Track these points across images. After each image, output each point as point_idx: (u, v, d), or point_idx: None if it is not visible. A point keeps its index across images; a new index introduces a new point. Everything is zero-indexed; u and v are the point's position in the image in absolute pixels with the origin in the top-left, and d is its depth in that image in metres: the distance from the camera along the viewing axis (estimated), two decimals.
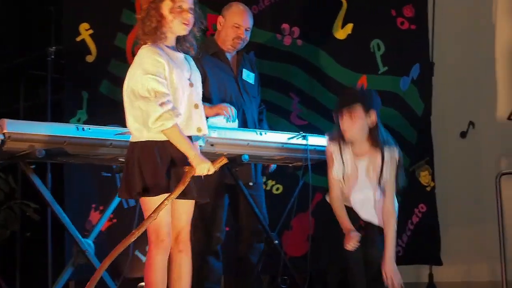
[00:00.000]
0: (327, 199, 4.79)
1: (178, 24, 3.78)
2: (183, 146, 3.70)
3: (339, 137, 4.63)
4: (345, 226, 4.59)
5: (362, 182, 4.67)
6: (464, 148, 6.49)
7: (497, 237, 5.69)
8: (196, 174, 3.68)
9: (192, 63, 3.93)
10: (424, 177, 6.32)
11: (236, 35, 5.04)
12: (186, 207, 3.87)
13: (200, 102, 3.86)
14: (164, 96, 3.66)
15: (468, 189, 6.48)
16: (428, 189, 6.36)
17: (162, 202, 3.59)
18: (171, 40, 3.83)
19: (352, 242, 4.50)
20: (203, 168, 3.68)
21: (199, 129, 3.84)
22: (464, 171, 6.51)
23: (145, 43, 3.78)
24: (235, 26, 5.06)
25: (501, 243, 5.60)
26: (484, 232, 6.24)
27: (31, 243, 6.60)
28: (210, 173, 3.72)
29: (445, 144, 6.49)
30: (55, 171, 5.49)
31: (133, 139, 3.79)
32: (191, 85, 3.83)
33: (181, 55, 3.85)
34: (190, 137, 3.80)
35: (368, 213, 4.68)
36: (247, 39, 5.13)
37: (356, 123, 4.59)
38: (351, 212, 4.66)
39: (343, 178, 4.66)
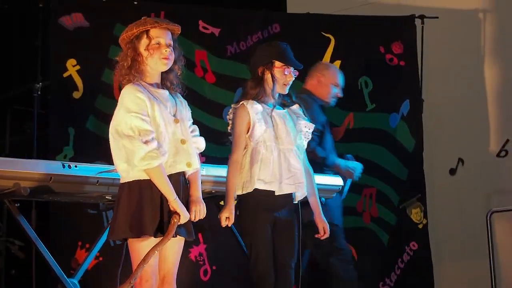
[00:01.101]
0: None
1: (158, 60, 3.77)
2: (164, 188, 3.68)
3: None
4: None
5: None
6: (454, 185, 6.48)
7: (489, 274, 5.65)
8: (181, 223, 3.69)
9: (180, 100, 3.91)
10: (415, 215, 6.28)
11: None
12: (174, 247, 3.81)
13: (188, 138, 3.83)
14: (148, 134, 3.63)
15: (460, 226, 6.45)
16: (420, 226, 6.31)
17: (151, 250, 3.58)
18: (153, 78, 3.82)
19: None
20: (185, 213, 3.70)
21: (188, 164, 3.80)
22: (455, 208, 6.48)
23: (124, 84, 3.78)
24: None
25: (492, 280, 5.56)
26: (476, 269, 6.19)
27: (16, 280, 6.53)
28: (186, 220, 3.71)
29: (434, 181, 6.48)
30: (40, 208, 5.44)
31: (121, 180, 3.77)
32: (176, 121, 3.80)
33: (165, 92, 3.83)
34: (178, 173, 3.77)
35: None
36: None
37: None
38: None
39: None
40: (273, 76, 4.40)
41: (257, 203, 4.27)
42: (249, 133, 4.32)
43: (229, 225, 4.27)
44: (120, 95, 3.75)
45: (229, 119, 4.43)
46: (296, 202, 4.44)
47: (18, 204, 4.36)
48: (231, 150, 4.35)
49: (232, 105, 4.44)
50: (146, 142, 3.61)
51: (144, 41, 3.77)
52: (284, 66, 4.42)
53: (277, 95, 4.45)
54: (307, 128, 4.51)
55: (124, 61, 3.78)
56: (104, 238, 4.79)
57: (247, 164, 4.31)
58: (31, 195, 4.19)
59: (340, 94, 5.53)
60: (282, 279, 4.30)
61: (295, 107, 4.54)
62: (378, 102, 6.37)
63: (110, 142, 3.75)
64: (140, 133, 3.62)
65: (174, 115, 3.81)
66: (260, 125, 4.31)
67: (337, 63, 6.30)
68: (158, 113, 3.71)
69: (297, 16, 6.52)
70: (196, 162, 3.83)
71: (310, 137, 4.54)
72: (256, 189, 4.26)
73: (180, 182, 3.80)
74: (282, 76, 4.41)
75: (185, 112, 3.91)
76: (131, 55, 3.76)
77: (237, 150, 4.33)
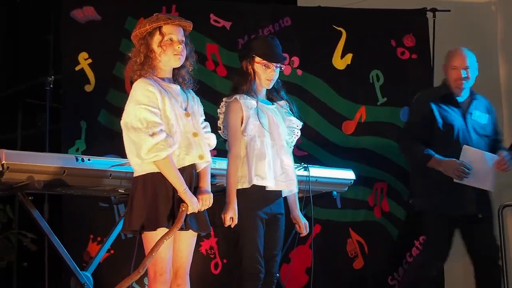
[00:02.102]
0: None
1: (171, 56, 3.81)
2: (174, 179, 3.71)
3: None
4: None
5: None
6: None
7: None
8: (189, 212, 3.71)
9: (192, 95, 3.95)
10: None
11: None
12: (187, 242, 3.85)
13: (200, 131, 3.85)
14: (155, 126, 3.66)
15: None
16: None
17: (161, 239, 3.61)
18: (165, 73, 3.86)
19: None
20: (194, 203, 3.72)
21: (201, 156, 3.83)
22: None
23: (135, 79, 3.81)
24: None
25: (504, 275, 5.53)
26: None
27: (27, 273, 6.55)
28: (196, 211, 3.74)
29: None
30: (52, 201, 5.45)
31: (135, 173, 3.81)
32: (188, 114, 3.83)
33: (177, 87, 3.86)
34: (191, 165, 3.80)
35: None
36: None
37: None
38: None
39: None
40: (254, 71, 4.39)
41: (252, 198, 4.28)
42: (242, 128, 4.31)
43: (232, 226, 4.25)
44: (132, 88, 3.79)
45: (220, 113, 4.41)
46: (283, 196, 4.45)
47: (32, 197, 4.38)
48: (228, 145, 4.34)
49: (224, 99, 4.43)
50: (152, 135, 3.64)
51: (157, 37, 3.80)
52: (263, 61, 4.38)
53: (264, 89, 4.44)
54: (295, 124, 4.50)
55: (137, 57, 3.81)
56: (116, 231, 4.81)
57: (243, 159, 4.31)
58: (45, 189, 4.22)
59: (464, 75, 5.19)
60: (269, 271, 4.32)
61: (283, 102, 4.52)
62: (390, 95, 6.35)
63: (123, 136, 3.78)
64: (148, 125, 3.65)
65: (185, 109, 3.84)
66: (254, 120, 4.30)
67: (349, 56, 6.30)
68: (168, 107, 3.74)
69: (308, 9, 6.50)
70: (208, 155, 3.87)
71: (298, 134, 4.53)
72: (253, 185, 4.26)
73: (193, 175, 3.84)
74: (264, 71, 4.39)
75: (197, 107, 3.94)
76: (144, 51, 3.79)
77: (235, 144, 4.32)
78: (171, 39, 3.80)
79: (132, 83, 5.27)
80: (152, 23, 3.80)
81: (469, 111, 5.19)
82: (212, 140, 3.99)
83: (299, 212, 4.53)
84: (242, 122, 4.31)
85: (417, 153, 5.14)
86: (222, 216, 4.24)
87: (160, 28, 3.80)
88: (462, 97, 5.23)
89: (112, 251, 5.39)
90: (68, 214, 5.51)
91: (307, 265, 6.00)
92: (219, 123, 4.42)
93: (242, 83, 4.39)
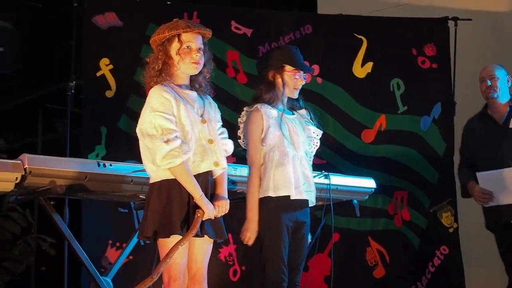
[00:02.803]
0: None
1: (188, 64, 3.80)
2: (189, 186, 3.70)
3: None
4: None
5: None
6: None
7: None
8: (204, 219, 3.70)
9: (209, 101, 3.94)
10: (446, 218, 6.24)
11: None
12: (203, 247, 3.84)
13: (215, 138, 3.84)
14: (170, 133, 3.66)
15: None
16: (451, 230, 6.27)
17: (175, 245, 3.60)
18: (182, 79, 3.85)
19: None
20: (210, 210, 3.71)
21: (216, 163, 3.82)
22: None
23: (152, 86, 3.81)
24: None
25: None
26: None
27: (45, 277, 6.56)
28: (212, 217, 3.73)
29: None
30: (71, 206, 5.46)
31: (151, 180, 3.81)
32: (203, 121, 3.82)
33: (193, 93, 3.85)
34: (207, 172, 3.79)
35: None
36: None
37: None
38: None
39: None
40: (283, 81, 4.36)
41: (277, 206, 4.24)
42: (261, 137, 4.28)
43: (249, 244, 4.24)
44: (148, 95, 3.79)
45: (241, 122, 4.38)
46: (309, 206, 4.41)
47: (54, 202, 4.39)
48: (249, 156, 4.30)
49: (245, 108, 4.39)
50: (167, 141, 3.64)
51: (175, 44, 3.80)
52: (294, 70, 4.37)
53: (286, 99, 4.42)
54: (315, 134, 4.47)
55: (155, 63, 3.81)
56: (136, 237, 4.81)
57: (263, 169, 4.28)
58: (66, 193, 4.23)
59: (489, 83, 5.44)
60: (291, 281, 4.29)
61: (303, 111, 4.50)
62: (410, 104, 6.33)
63: (139, 143, 3.79)
64: (163, 132, 3.65)
65: (202, 116, 3.84)
66: (274, 130, 4.28)
67: (369, 64, 6.29)
68: (184, 113, 3.74)
69: (330, 17, 6.49)
70: (223, 161, 3.85)
71: (318, 144, 4.49)
72: (270, 196, 4.23)
73: (209, 181, 3.83)
74: (293, 81, 4.37)
75: (213, 113, 3.93)
76: (162, 58, 3.80)
77: (255, 155, 4.28)
78: (189, 47, 3.79)
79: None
80: (171, 30, 3.79)
81: (505, 125, 5.31)
82: (229, 146, 3.98)
83: None
84: (262, 132, 4.28)
85: (461, 178, 5.59)
86: (242, 232, 4.23)
87: (179, 35, 3.79)
88: (496, 112, 5.38)
89: (130, 257, 5.39)
90: (87, 219, 5.52)
91: (326, 274, 6.00)
92: (239, 132, 4.40)
93: (266, 92, 4.35)
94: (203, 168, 3.78)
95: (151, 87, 3.81)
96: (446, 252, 6.25)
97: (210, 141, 3.81)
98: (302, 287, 5.13)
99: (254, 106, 4.32)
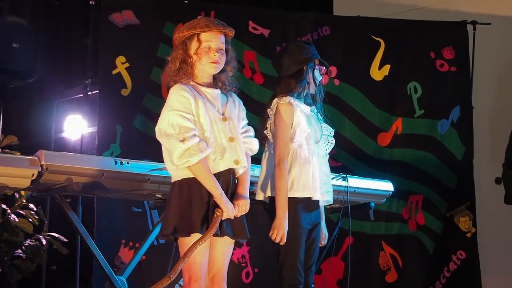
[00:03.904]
0: None
1: (206, 64, 3.76)
2: (208, 184, 3.66)
3: None
4: None
5: None
6: (502, 194, 6.35)
7: None
8: (223, 218, 3.64)
9: (233, 99, 3.89)
10: (464, 223, 6.18)
11: None
12: (224, 248, 3.79)
13: (237, 136, 3.79)
14: (187, 131, 3.62)
15: (509, 235, 6.32)
16: (469, 235, 6.21)
17: (194, 245, 3.54)
18: (203, 78, 3.81)
19: None
20: (229, 210, 3.66)
21: (236, 161, 3.77)
22: (502, 217, 6.36)
23: (171, 85, 3.78)
24: None
25: None
26: None
27: (56, 277, 6.54)
28: (231, 216, 3.68)
29: (482, 189, 6.36)
30: (84, 204, 5.43)
31: (172, 179, 3.77)
32: (224, 119, 3.77)
33: (215, 91, 3.81)
34: (229, 170, 3.75)
35: None
36: None
37: None
38: None
39: None
40: (314, 76, 4.31)
41: (298, 208, 4.16)
42: (291, 133, 4.18)
43: (282, 244, 4.11)
44: (168, 94, 3.76)
45: (271, 114, 4.21)
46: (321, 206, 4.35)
47: (70, 200, 4.35)
48: (278, 152, 4.14)
49: (276, 99, 4.21)
50: (183, 140, 3.61)
51: (194, 43, 3.76)
52: (319, 66, 4.34)
53: (312, 95, 4.36)
54: (328, 132, 4.39)
55: (174, 62, 3.78)
56: (152, 237, 4.78)
57: (289, 167, 4.19)
58: (82, 191, 4.20)
59: None
60: (305, 282, 4.22)
61: (314, 108, 4.40)
62: (427, 108, 6.27)
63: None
64: (180, 131, 3.62)
65: (223, 114, 3.79)
66: (304, 126, 4.18)
67: (387, 67, 6.24)
68: (203, 111, 3.70)
69: (348, 19, 6.45)
70: (244, 160, 3.79)
71: (333, 142, 4.39)
72: (295, 196, 4.15)
73: (230, 180, 3.78)
74: (319, 76, 4.33)
75: (237, 111, 3.88)
76: (181, 57, 3.77)
77: (286, 153, 4.14)
78: (208, 47, 3.75)
79: (168, 88, 5.29)
80: (190, 30, 3.76)
81: None
82: (254, 145, 3.91)
83: (324, 223, 4.43)
84: (292, 127, 4.18)
85: (508, 179, 5.43)
86: (272, 229, 4.10)
87: (198, 34, 3.75)
88: None
89: (144, 257, 5.35)
90: (101, 218, 5.48)
91: (339, 277, 5.96)
92: (269, 122, 4.23)
93: (297, 86, 4.25)
94: (222, 167, 3.74)
95: (169, 86, 3.78)
96: (463, 257, 6.19)
97: (231, 139, 3.77)
98: None
99: (287, 100, 4.18)
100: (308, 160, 4.19)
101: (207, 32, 3.75)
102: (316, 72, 4.32)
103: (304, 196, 4.16)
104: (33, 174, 4.02)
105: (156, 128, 3.70)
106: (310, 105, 4.34)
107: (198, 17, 3.90)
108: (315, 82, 4.31)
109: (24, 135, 6.37)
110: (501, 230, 6.40)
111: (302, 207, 4.17)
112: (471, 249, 6.19)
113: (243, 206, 3.76)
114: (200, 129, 3.68)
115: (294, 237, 4.14)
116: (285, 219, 4.10)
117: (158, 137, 3.70)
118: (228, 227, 3.72)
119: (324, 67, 4.36)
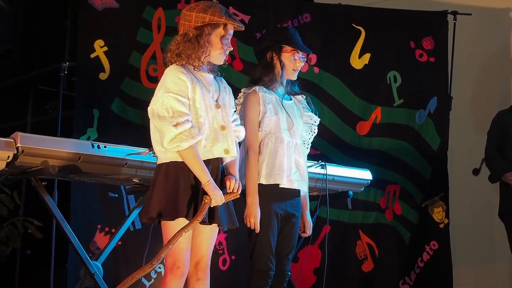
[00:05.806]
0: None
1: (219, 54, 3.74)
2: (197, 170, 3.61)
3: None
4: None
5: None
6: (477, 185, 6.38)
7: (510, 276, 5.58)
8: (212, 205, 3.59)
9: (224, 85, 3.85)
10: (437, 214, 6.21)
11: None
12: (208, 234, 3.75)
13: (228, 124, 3.76)
14: (181, 116, 3.58)
15: (482, 227, 6.36)
16: (442, 225, 6.24)
17: (179, 232, 3.49)
18: (203, 64, 3.76)
19: None
20: (218, 196, 3.60)
21: (226, 151, 3.73)
22: (477, 208, 6.39)
23: (172, 63, 3.70)
24: None
25: None
26: (498, 271, 6.11)
27: (30, 261, 6.49)
28: (220, 203, 3.63)
29: (457, 180, 6.38)
30: (60, 189, 5.38)
31: (158, 161, 3.71)
32: (218, 106, 3.73)
33: (210, 76, 3.77)
34: (217, 159, 3.71)
35: None
36: None
37: None
38: None
39: None
40: (281, 62, 4.25)
41: (266, 194, 4.14)
42: (258, 122, 4.18)
43: (257, 231, 4.09)
44: (163, 74, 3.69)
45: (238, 104, 4.23)
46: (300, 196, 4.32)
47: (46, 183, 4.30)
48: (247, 140, 4.13)
49: (243, 90, 4.26)
50: (176, 125, 3.56)
51: (219, 31, 3.71)
52: (293, 51, 4.26)
53: (285, 82, 4.31)
54: (312, 120, 4.37)
55: (192, 44, 3.68)
56: (128, 222, 4.74)
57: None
58: (59, 174, 4.14)
59: None
60: (280, 270, 4.21)
61: (300, 97, 4.39)
62: (406, 97, 6.29)
63: (150, 123, 3.71)
64: (174, 115, 3.57)
65: (217, 101, 3.75)
66: (270, 115, 4.18)
67: (367, 56, 6.24)
68: (199, 96, 3.65)
69: (329, 6, 6.44)
70: (234, 150, 3.76)
71: (316, 131, 4.38)
72: (262, 183, 4.14)
73: (219, 168, 3.74)
74: (291, 62, 4.26)
75: (228, 98, 3.84)
76: (202, 41, 3.67)
77: (254, 139, 4.16)
78: (228, 39, 3.74)
79: (147, 73, 5.23)
80: (216, 16, 3.67)
81: None
82: (241, 133, 3.89)
83: (308, 212, 4.41)
84: (258, 116, 4.18)
85: (495, 164, 5.74)
86: (245, 218, 4.10)
87: (226, 25, 3.71)
88: None
89: (119, 242, 5.31)
90: (76, 203, 5.42)
91: (316, 265, 5.95)
92: (236, 114, 4.20)
93: (264, 74, 4.24)
94: (212, 154, 3.70)
95: (168, 65, 3.71)
96: (436, 247, 6.23)
97: (223, 127, 3.73)
98: (295, 278, 5.10)
99: (252, 89, 4.21)
100: (275, 148, 4.17)
101: (233, 26, 3.73)
102: (287, 58, 4.25)
103: (270, 183, 4.14)
104: (8, 157, 3.97)
105: (149, 108, 3.64)
106: (287, 92, 4.31)
107: (215, 1, 3.84)
108: (285, 68, 4.25)
109: (0, 118, 6.31)
110: (476, 220, 6.43)
111: (272, 194, 4.15)
112: (444, 240, 6.22)
113: (235, 184, 3.71)
114: (194, 114, 3.64)
115: (264, 225, 4.12)
116: (256, 206, 4.09)
117: (151, 117, 3.64)
118: (222, 216, 3.67)
119: (300, 52, 4.28)
